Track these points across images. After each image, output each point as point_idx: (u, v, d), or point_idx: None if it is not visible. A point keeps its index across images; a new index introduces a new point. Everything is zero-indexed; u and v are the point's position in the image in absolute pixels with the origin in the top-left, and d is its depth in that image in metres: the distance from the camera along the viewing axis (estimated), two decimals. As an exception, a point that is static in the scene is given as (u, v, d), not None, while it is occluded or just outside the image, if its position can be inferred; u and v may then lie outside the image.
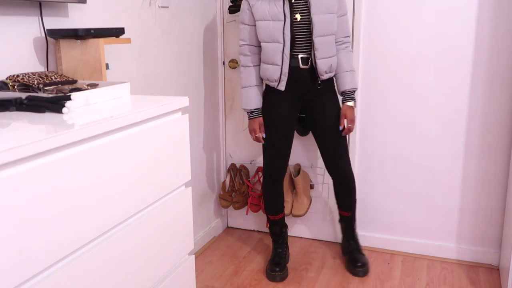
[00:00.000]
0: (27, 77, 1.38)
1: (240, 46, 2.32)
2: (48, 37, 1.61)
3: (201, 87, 2.70)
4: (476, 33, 2.38)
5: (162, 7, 2.27)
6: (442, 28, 2.42)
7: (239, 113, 2.90)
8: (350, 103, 2.29)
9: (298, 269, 2.56)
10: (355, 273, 2.47)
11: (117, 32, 1.67)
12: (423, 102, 2.52)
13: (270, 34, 2.18)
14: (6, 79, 1.40)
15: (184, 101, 1.47)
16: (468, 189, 2.55)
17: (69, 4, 1.71)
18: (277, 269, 2.45)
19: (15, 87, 1.37)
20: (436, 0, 2.41)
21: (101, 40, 1.58)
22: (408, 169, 2.62)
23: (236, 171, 2.91)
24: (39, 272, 1.00)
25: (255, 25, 2.23)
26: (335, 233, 2.83)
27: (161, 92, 2.31)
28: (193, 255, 1.63)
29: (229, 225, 3.10)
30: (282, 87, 2.24)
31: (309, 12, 2.15)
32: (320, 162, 2.76)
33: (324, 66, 2.21)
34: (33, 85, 1.36)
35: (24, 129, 1.06)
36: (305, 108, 2.35)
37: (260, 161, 2.91)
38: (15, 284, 0.94)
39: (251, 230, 3.03)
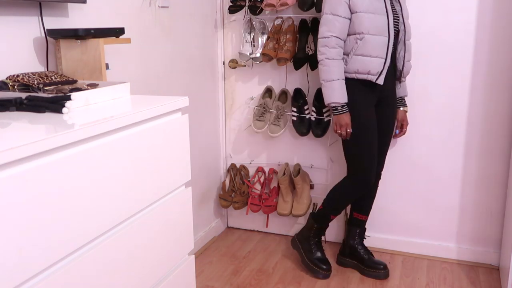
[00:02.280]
0: (27, 77, 1.38)
1: (326, 37, 2.15)
2: (48, 37, 1.61)
3: (201, 87, 2.70)
4: (476, 33, 2.38)
5: (162, 7, 2.27)
6: (442, 28, 2.42)
7: (239, 113, 2.90)
8: (406, 108, 2.44)
9: (298, 269, 2.56)
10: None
11: (117, 32, 1.67)
12: (423, 102, 2.52)
13: (377, 27, 2.12)
14: (6, 79, 1.40)
15: (184, 101, 1.47)
16: (468, 189, 2.55)
17: (69, 4, 1.71)
18: (325, 267, 2.46)
19: (15, 87, 1.37)
20: (436, 1, 2.41)
21: (101, 40, 1.58)
22: (408, 169, 2.62)
23: (236, 171, 2.91)
24: (39, 272, 1.00)
25: (350, 19, 2.14)
26: (335, 233, 2.83)
27: (161, 92, 2.31)
28: (193, 255, 1.62)
29: (229, 225, 3.10)
30: (381, 80, 2.16)
31: (398, 16, 2.21)
32: (320, 162, 2.76)
33: (409, 68, 2.32)
34: (33, 85, 1.35)
35: (24, 129, 1.06)
36: (376, 106, 2.32)
37: (259, 161, 2.91)
38: (15, 284, 0.94)
39: (251, 230, 3.03)
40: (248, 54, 2.70)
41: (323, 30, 2.17)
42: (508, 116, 2.41)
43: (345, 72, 2.20)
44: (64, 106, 1.22)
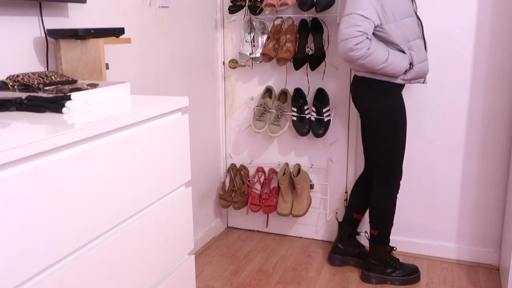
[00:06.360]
0: (27, 77, 1.38)
1: (356, 36, 1.96)
2: (48, 37, 1.61)
3: (201, 87, 2.70)
4: (476, 33, 2.38)
5: (162, 7, 2.27)
6: (442, 28, 2.42)
7: (239, 113, 2.90)
8: None
9: (298, 269, 2.56)
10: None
11: (117, 32, 1.67)
12: (423, 102, 2.52)
13: (416, 31, 2.10)
14: (6, 79, 1.40)
15: (184, 101, 1.47)
16: (468, 189, 2.55)
17: (69, 4, 1.71)
18: (419, 272, 2.44)
19: (15, 87, 1.37)
20: (436, 0, 2.41)
21: (101, 40, 1.58)
22: (408, 169, 2.62)
23: (236, 171, 2.91)
24: (39, 272, 1.00)
25: (377, 25, 2.01)
26: (335, 233, 2.83)
27: (161, 92, 2.31)
28: (193, 255, 1.63)
29: (229, 225, 3.10)
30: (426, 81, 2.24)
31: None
32: (320, 162, 2.76)
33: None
34: (33, 85, 1.35)
35: (24, 129, 1.06)
36: None
37: (259, 161, 2.91)
38: (15, 284, 0.94)
39: (251, 230, 3.04)
40: (248, 54, 2.70)
41: (355, 30, 1.98)
42: (508, 116, 2.41)
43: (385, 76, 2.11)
44: (64, 106, 1.22)
